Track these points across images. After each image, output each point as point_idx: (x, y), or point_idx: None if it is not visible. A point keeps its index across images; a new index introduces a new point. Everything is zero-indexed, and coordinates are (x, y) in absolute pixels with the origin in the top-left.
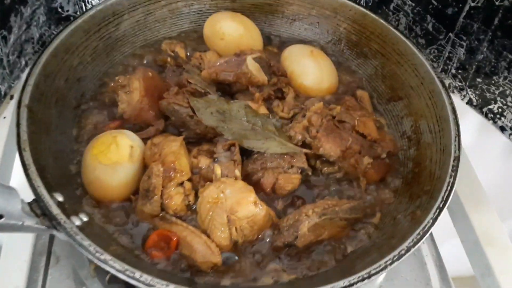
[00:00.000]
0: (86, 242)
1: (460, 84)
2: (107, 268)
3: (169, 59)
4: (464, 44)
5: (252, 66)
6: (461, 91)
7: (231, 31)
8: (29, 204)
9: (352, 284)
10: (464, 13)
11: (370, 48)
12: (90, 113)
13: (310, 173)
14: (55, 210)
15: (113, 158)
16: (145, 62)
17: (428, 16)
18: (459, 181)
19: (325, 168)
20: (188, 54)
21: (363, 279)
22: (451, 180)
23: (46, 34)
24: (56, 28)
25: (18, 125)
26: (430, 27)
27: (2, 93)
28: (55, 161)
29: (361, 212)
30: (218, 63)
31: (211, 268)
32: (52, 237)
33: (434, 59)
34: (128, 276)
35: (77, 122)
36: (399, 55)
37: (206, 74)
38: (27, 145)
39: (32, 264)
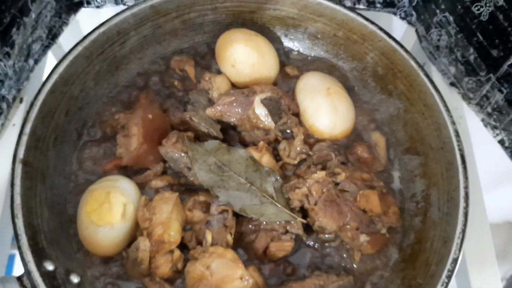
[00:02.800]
0: None
1: (494, 123)
2: None
3: (176, 83)
4: (505, 91)
5: (259, 110)
6: (495, 129)
7: (243, 58)
8: (20, 278)
9: None
10: (510, 62)
11: (396, 87)
12: (90, 145)
13: (304, 238)
14: None
15: (106, 219)
16: (151, 85)
17: (471, 47)
18: (468, 235)
19: (321, 235)
20: (198, 72)
21: None
22: None
23: (57, 26)
24: (68, 16)
25: (12, 185)
26: (471, 59)
27: (11, 100)
28: (51, 211)
29: None
30: (223, 103)
31: None
32: None
33: (471, 90)
34: None
35: (76, 157)
36: (424, 106)
37: (211, 113)
38: (20, 210)
39: None
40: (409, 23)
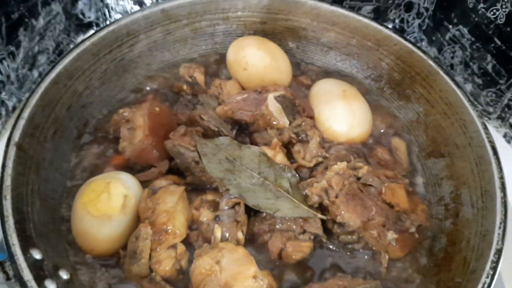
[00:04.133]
0: None
1: None
2: None
3: (185, 87)
4: None
5: (273, 106)
6: None
7: (255, 61)
8: (1, 263)
9: None
10: None
11: (414, 90)
12: (91, 145)
13: (324, 240)
14: (27, 275)
15: (103, 210)
16: (159, 88)
17: (489, 55)
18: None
19: (343, 236)
20: (208, 81)
21: None
22: (488, 280)
23: (64, 43)
24: (76, 35)
25: (3, 166)
26: (489, 67)
27: (10, 108)
28: (43, 204)
29: None
30: (235, 100)
31: None
32: None
33: (491, 103)
34: None
35: (75, 155)
36: (446, 105)
37: (222, 111)
38: (9, 192)
39: None
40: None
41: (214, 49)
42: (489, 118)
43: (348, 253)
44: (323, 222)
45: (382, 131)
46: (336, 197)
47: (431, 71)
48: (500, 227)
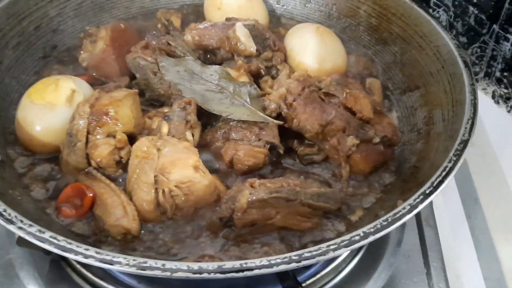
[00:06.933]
0: None
1: (506, 91)
2: None
3: (159, 25)
4: (511, 37)
5: (240, 32)
6: (508, 101)
7: (229, 0)
8: None
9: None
10: None
11: (391, 32)
12: (55, 65)
13: (281, 151)
14: None
15: (47, 98)
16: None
17: (470, 6)
18: (490, 199)
19: (302, 148)
20: (184, 25)
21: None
22: (450, 165)
23: None
24: None
25: None
26: (472, 20)
27: None
28: None
29: (335, 203)
30: (204, 26)
31: (123, 235)
32: None
33: (477, 61)
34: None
35: (37, 71)
36: (421, 37)
37: (189, 39)
38: None
39: None
40: None
41: (194, 2)
42: (477, 80)
43: (307, 166)
44: (284, 139)
45: (355, 73)
46: (294, 101)
47: (405, 8)
48: (468, 122)
